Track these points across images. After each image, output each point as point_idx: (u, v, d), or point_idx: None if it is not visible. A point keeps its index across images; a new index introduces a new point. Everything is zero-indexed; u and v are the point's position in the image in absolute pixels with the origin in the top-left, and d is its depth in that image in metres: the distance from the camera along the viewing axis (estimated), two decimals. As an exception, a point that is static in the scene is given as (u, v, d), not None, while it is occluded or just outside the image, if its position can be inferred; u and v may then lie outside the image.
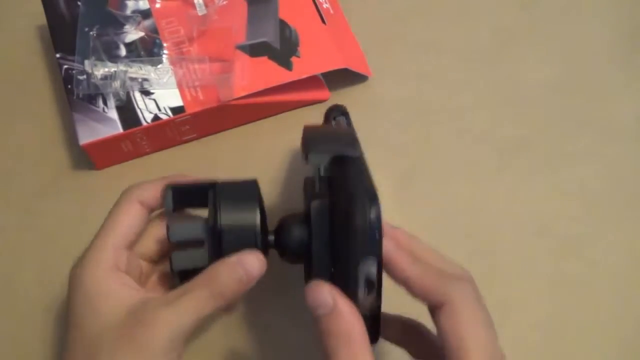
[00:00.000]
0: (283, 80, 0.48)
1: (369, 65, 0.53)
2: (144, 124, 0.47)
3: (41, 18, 0.54)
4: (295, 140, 0.50)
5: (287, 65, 0.49)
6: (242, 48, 0.49)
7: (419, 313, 0.35)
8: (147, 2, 0.51)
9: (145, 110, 0.47)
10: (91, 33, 0.49)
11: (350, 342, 0.30)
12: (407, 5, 0.56)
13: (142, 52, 0.49)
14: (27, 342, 0.43)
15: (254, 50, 0.49)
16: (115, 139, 0.47)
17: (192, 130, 0.49)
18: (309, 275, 0.37)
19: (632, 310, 0.44)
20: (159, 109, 0.47)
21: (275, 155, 0.49)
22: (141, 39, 0.49)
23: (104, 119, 0.47)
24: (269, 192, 0.48)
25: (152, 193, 0.37)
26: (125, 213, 0.36)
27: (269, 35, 0.50)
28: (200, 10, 0.51)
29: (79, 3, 0.51)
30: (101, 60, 0.48)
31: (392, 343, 0.37)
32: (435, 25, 0.55)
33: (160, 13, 0.51)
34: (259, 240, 0.36)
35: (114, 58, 0.48)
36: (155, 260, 0.38)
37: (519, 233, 0.46)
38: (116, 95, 0.47)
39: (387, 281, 0.33)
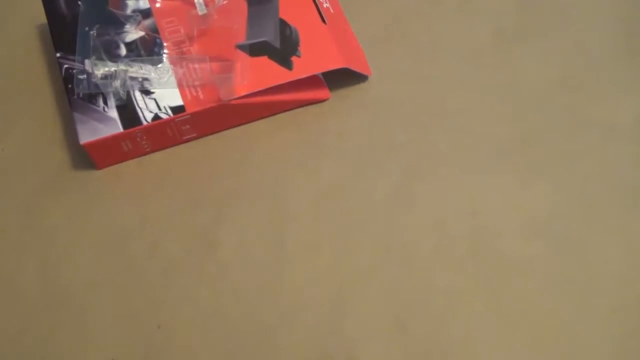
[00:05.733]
0: (283, 79, 0.48)
1: (369, 65, 0.53)
2: (144, 123, 0.47)
3: (41, 17, 0.54)
4: (295, 140, 0.50)
5: (288, 65, 0.49)
6: (242, 47, 0.49)
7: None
8: (147, 2, 0.51)
9: (146, 109, 0.47)
10: (91, 32, 0.49)
11: None
12: (407, 5, 0.56)
13: (143, 52, 0.49)
14: (27, 342, 0.43)
15: (254, 49, 0.49)
16: (116, 139, 0.47)
17: (192, 130, 0.49)
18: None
19: (632, 311, 0.44)
20: (159, 109, 0.47)
21: (275, 155, 0.49)
22: (141, 38, 0.49)
23: (104, 119, 0.47)
24: (270, 191, 0.48)
25: None
26: None
27: (269, 35, 0.50)
28: (201, 10, 0.51)
29: (79, 2, 0.51)
30: (101, 59, 0.48)
31: None
32: (435, 25, 0.55)
33: (160, 12, 0.51)
34: None
35: (114, 57, 0.48)
36: None
37: (518, 233, 0.46)
38: (116, 94, 0.47)
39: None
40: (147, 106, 0.47)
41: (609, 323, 0.44)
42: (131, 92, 0.48)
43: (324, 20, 0.51)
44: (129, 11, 0.50)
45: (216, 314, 0.44)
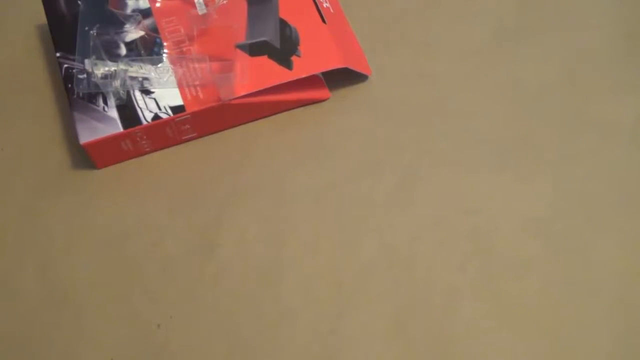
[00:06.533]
0: (283, 79, 0.48)
1: (369, 64, 0.53)
2: (144, 123, 0.47)
3: (41, 17, 0.54)
4: (295, 139, 0.50)
5: (288, 65, 0.49)
6: (242, 47, 0.49)
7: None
8: (147, 2, 0.51)
9: (146, 109, 0.47)
10: (91, 32, 0.49)
11: None
12: (407, 5, 0.56)
13: (143, 51, 0.49)
14: (27, 342, 0.43)
15: (254, 49, 0.49)
16: (116, 138, 0.47)
17: (192, 130, 0.49)
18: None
19: (632, 310, 0.44)
20: (159, 108, 0.47)
21: (275, 155, 0.49)
22: (141, 38, 0.49)
23: (104, 118, 0.47)
24: (270, 191, 0.48)
25: None
26: None
27: (269, 35, 0.50)
28: (201, 10, 0.51)
29: (79, 2, 0.51)
30: (101, 59, 0.48)
31: None
32: (435, 25, 0.55)
33: (160, 12, 0.51)
34: None
35: (114, 57, 0.48)
36: None
37: (518, 233, 0.46)
38: (116, 94, 0.47)
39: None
40: (147, 106, 0.47)
41: (608, 322, 0.44)
42: (131, 92, 0.48)
43: (324, 20, 0.51)
44: (129, 11, 0.50)
45: (215, 313, 0.44)
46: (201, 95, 0.48)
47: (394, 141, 0.50)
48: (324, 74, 0.50)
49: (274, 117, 0.51)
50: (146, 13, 0.51)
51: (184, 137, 0.50)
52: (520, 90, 0.52)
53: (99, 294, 0.45)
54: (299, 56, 0.49)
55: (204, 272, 0.45)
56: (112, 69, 0.48)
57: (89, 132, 0.46)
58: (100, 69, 0.47)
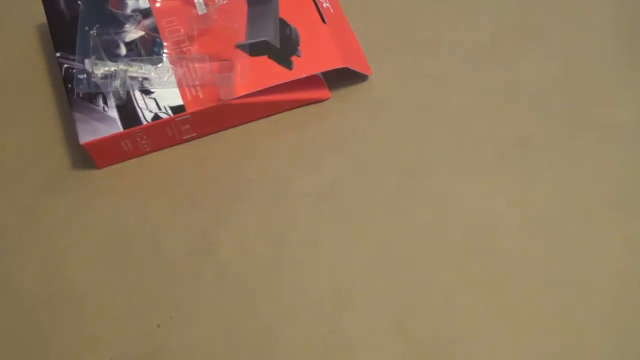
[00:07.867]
0: (283, 79, 0.48)
1: (369, 64, 0.53)
2: (144, 123, 0.47)
3: (41, 17, 0.54)
4: (295, 139, 0.50)
5: (288, 65, 0.49)
6: (242, 47, 0.49)
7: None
8: (147, 1, 0.51)
9: (146, 109, 0.47)
10: (91, 32, 0.49)
11: None
12: (407, 4, 0.56)
13: (143, 51, 0.49)
14: (27, 342, 0.43)
15: (254, 49, 0.49)
16: (116, 138, 0.47)
17: (192, 130, 0.49)
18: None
19: (631, 311, 0.44)
20: (159, 108, 0.47)
21: (275, 155, 0.49)
22: (141, 38, 0.49)
23: (104, 118, 0.47)
24: (270, 191, 0.48)
25: None
26: None
27: (269, 35, 0.50)
28: (201, 10, 0.51)
29: (79, 2, 0.51)
30: (101, 59, 0.48)
31: None
32: (435, 25, 0.55)
33: (160, 12, 0.51)
34: None
35: (114, 57, 0.48)
36: None
37: (518, 233, 0.46)
38: (116, 94, 0.47)
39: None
40: (147, 106, 0.47)
41: (608, 322, 0.44)
42: (131, 92, 0.48)
43: (324, 20, 0.51)
44: (129, 11, 0.51)
45: (215, 313, 0.44)
46: (201, 95, 0.48)
47: (394, 141, 0.50)
48: (324, 74, 0.50)
49: (274, 117, 0.51)
50: (146, 13, 0.51)
51: (184, 137, 0.50)
52: (520, 90, 0.52)
53: (99, 294, 0.45)
54: (299, 56, 0.49)
55: (204, 272, 0.45)
56: (112, 69, 0.48)
57: (89, 132, 0.46)
58: (100, 69, 0.47)
